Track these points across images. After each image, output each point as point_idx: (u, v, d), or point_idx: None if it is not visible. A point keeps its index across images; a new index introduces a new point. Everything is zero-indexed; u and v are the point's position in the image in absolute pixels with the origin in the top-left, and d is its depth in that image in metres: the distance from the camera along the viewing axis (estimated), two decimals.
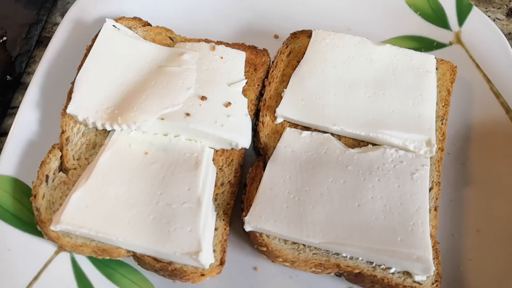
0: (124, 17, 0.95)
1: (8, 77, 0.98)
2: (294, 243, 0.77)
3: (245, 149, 0.85)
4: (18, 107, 0.96)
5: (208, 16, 1.01)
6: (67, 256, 0.78)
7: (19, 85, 0.99)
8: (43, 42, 1.05)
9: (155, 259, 0.74)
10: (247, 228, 0.77)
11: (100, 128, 0.83)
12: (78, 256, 0.79)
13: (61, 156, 0.82)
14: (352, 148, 0.83)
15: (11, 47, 1.01)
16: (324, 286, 0.79)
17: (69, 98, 0.85)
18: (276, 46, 0.97)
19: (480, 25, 0.98)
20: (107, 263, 0.79)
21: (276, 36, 1.01)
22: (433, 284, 0.74)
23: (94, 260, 0.79)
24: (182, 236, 0.73)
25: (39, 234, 0.78)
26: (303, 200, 0.77)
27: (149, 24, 0.96)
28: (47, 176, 0.79)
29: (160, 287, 0.78)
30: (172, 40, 0.95)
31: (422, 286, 0.74)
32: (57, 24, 1.07)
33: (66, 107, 0.84)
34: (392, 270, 0.75)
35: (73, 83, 0.86)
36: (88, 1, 0.98)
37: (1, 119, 0.95)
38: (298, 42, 0.95)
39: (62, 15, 1.09)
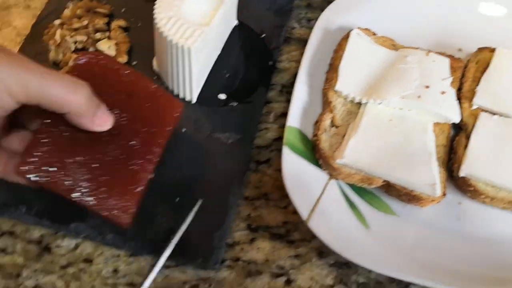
0: (359, 27, 1.36)
1: (270, 62, 1.40)
2: (493, 186, 1.15)
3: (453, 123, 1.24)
4: (274, 84, 1.39)
5: (412, 32, 1.41)
6: (335, 182, 1.19)
7: (274, 69, 1.41)
8: (286, 40, 1.47)
9: (402, 187, 1.14)
10: (462, 174, 1.15)
11: (356, 101, 1.23)
12: (341, 183, 1.19)
13: (331, 117, 1.23)
14: None
15: (268, 42, 1.43)
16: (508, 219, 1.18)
17: (329, 80, 1.27)
18: (461, 57, 1.36)
19: None
20: (359, 189, 1.19)
21: (459, 49, 1.40)
22: None
23: (352, 186, 1.19)
24: (422, 173, 1.12)
25: (318, 166, 1.19)
26: (502, 157, 1.16)
27: (375, 34, 1.37)
28: (324, 129, 1.21)
29: (394, 207, 1.18)
30: (394, 46, 1.35)
31: None
32: (294, 28, 1.49)
33: (328, 86, 1.25)
34: None
35: (327, 72, 1.28)
36: (331, 16, 1.38)
37: (266, 91, 1.37)
38: (482, 54, 1.34)
39: (298, 21, 1.50)
